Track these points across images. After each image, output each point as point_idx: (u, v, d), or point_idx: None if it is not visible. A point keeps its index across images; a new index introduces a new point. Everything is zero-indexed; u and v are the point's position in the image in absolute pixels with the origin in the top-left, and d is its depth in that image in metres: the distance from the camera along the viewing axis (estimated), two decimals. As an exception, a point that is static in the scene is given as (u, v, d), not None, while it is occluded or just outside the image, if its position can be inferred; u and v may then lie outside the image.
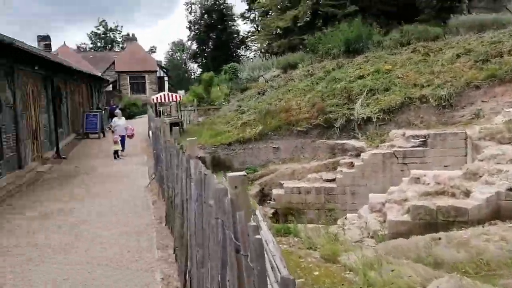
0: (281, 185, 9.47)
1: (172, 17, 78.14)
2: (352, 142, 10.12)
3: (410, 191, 6.56)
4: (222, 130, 11.83)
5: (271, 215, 8.91)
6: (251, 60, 31.73)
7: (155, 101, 16.53)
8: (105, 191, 6.38)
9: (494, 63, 11.13)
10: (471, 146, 8.60)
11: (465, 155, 8.99)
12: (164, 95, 16.78)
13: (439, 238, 5.07)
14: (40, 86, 9.37)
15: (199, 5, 42.28)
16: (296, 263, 3.34)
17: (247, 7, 41.15)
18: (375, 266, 3.58)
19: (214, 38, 39.45)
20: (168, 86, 32.69)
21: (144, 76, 30.37)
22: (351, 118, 10.70)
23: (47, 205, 5.67)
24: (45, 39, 26.00)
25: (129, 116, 24.19)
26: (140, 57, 31.12)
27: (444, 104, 10.53)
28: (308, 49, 19.55)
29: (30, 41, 27.34)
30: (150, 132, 8.70)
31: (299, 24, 24.68)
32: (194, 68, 51.55)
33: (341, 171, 9.41)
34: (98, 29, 49.90)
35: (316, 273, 3.46)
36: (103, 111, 15.32)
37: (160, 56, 59.52)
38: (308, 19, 24.05)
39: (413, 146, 9.44)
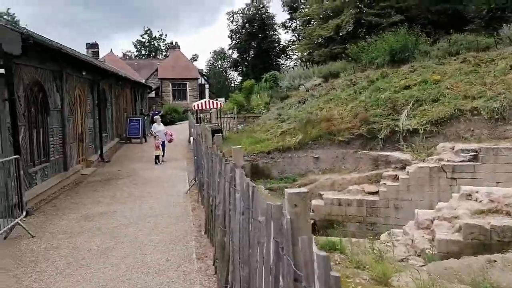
0: (321, 196, 9.22)
1: (214, 27, 79.42)
2: (397, 154, 9.74)
3: (461, 208, 6.17)
4: (261, 138, 11.74)
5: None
6: (291, 69, 31.74)
7: (196, 108, 16.70)
8: (146, 195, 6.40)
9: (551, 75, 10.52)
10: (527, 162, 8.08)
11: (520, 172, 8.48)
12: (205, 102, 16.93)
13: (495, 261, 4.71)
14: (87, 90, 9.64)
15: (241, 15, 42.76)
16: (344, 285, 3.13)
17: (288, 16, 41.27)
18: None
19: (255, 46, 39.68)
20: (209, 93, 33.16)
21: (186, 83, 30.94)
22: (396, 129, 10.32)
23: (90, 207, 5.74)
24: (93, 47, 27.10)
25: (169, 122, 24.68)
26: (182, 65, 31.78)
27: (496, 117, 9.96)
28: (350, 58, 19.20)
29: (81, 48, 28.44)
30: (191, 139, 8.72)
31: (341, 33, 24.36)
32: (234, 76, 52.07)
33: (385, 184, 9.06)
34: (143, 38, 51.49)
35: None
36: (146, 117, 15.63)
37: (202, 64, 60.60)
38: (350, 28, 23.71)
39: (463, 161, 8.95)
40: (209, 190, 3.88)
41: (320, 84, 15.78)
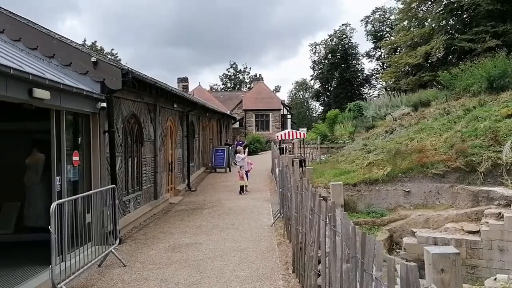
0: (413, 233, 8.53)
1: (295, 59, 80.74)
2: (500, 190, 8.74)
3: None
4: (346, 169, 11.29)
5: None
6: (376, 98, 30.82)
7: (279, 138, 16.77)
8: (230, 227, 6.37)
9: None
10: None
11: None
12: (288, 132, 16.94)
13: None
14: (177, 122, 10.10)
15: (323, 45, 42.98)
16: None
17: (372, 45, 40.77)
18: None
19: (337, 76, 39.35)
20: (291, 124, 33.33)
21: (269, 114, 31.46)
22: (498, 162, 9.29)
23: (177, 237, 5.83)
24: (183, 81, 28.98)
25: (252, 152, 25.05)
26: (265, 96, 32.49)
27: None
28: (442, 86, 18.07)
29: (172, 83, 30.45)
30: (277, 170, 8.58)
31: (430, 60, 23.28)
32: (316, 106, 52.05)
33: (487, 222, 8.13)
34: (229, 71, 53.86)
35: None
36: (230, 147, 16.01)
37: (284, 95, 61.55)
38: (441, 55, 22.55)
39: None
40: (298, 226, 3.69)
41: (409, 113, 14.99)
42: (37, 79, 3.80)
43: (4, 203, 6.12)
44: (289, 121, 31.64)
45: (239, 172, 10.74)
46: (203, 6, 72.48)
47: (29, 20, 5.68)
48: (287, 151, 19.47)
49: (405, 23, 23.98)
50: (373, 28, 38.27)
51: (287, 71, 78.39)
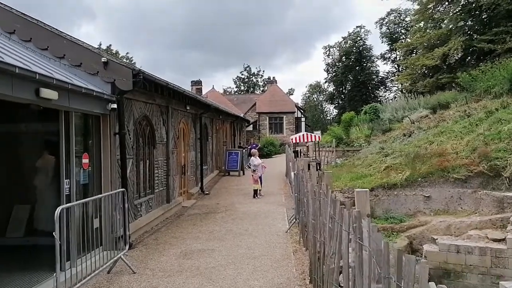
0: (434, 240, 8.18)
1: (309, 61, 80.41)
2: (527, 196, 8.39)
3: None
4: (363, 173, 10.97)
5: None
6: (391, 100, 30.34)
7: (293, 141, 16.52)
8: (244, 232, 6.16)
9: None
10: None
11: None
12: (302, 135, 16.68)
13: None
14: (190, 124, 9.95)
15: (338, 48, 42.63)
16: None
17: (387, 47, 40.25)
18: None
19: (352, 79, 38.94)
20: (305, 127, 33.02)
21: (282, 117, 31.22)
22: (524, 166, 8.97)
23: (189, 243, 5.64)
24: (197, 84, 29.03)
25: (266, 155, 24.83)
26: (279, 99, 32.27)
27: None
28: (461, 88, 17.59)
29: (186, 86, 30.46)
30: (292, 174, 8.32)
31: (448, 62, 22.77)
32: (330, 109, 51.66)
33: (512, 230, 7.80)
34: (243, 74, 53.82)
35: None
36: (244, 150, 15.82)
37: (298, 97, 61.25)
38: (459, 56, 22.06)
39: None
40: (315, 234, 3.47)
41: (427, 115, 14.60)
42: (44, 79, 3.66)
43: (15, 205, 6.04)
44: (303, 124, 31.35)
45: (253, 175, 10.52)
46: (215, 9, 72.72)
47: (39, 21, 5.57)
48: (302, 154, 19.19)
49: (421, 24, 23.49)
50: (388, 30, 37.82)
51: (300, 74, 77.99)
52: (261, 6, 77.60)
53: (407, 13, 32.39)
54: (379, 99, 33.33)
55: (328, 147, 17.04)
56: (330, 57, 41.20)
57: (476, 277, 8.00)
